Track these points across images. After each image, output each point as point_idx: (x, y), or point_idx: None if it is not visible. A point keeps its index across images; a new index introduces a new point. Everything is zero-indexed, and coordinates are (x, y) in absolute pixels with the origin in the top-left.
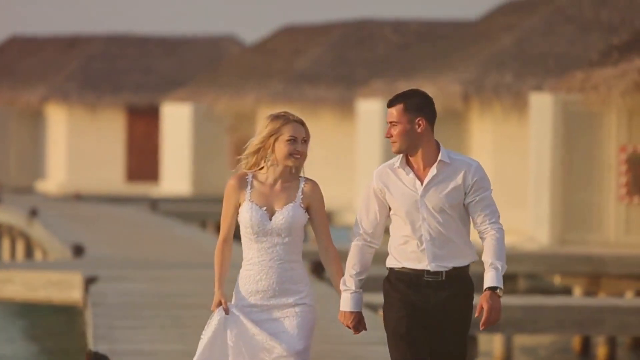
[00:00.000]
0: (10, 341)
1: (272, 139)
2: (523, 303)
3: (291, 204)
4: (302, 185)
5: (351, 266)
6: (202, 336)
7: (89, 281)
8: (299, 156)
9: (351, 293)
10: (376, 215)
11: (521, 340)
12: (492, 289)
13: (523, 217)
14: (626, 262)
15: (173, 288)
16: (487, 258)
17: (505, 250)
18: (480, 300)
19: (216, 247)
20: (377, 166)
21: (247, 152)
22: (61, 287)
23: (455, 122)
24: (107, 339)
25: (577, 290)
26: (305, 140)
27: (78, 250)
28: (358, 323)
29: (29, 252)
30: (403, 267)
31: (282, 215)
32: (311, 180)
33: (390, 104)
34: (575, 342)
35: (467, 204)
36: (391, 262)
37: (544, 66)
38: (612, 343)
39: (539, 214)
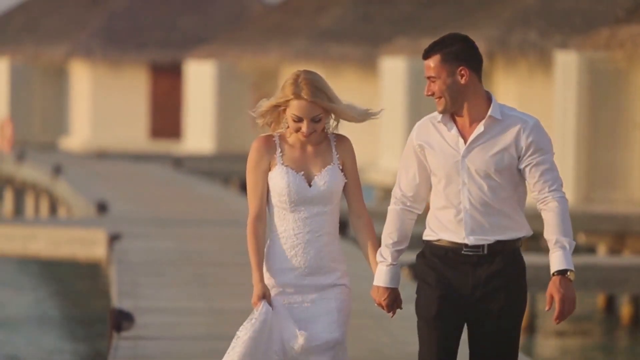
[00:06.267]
0: (33, 298)
1: (282, 107)
2: (547, 262)
3: (329, 167)
4: (333, 142)
5: (388, 234)
6: (238, 334)
7: (113, 238)
8: (306, 136)
9: (387, 266)
10: (415, 176)
11: (545, 298)
12: (562, 272)
13: None
14: None
15: (196, 246)
16: (551, 235)
17: (570, 223)
18: (549, 289)
19: (248, 228)
20: (401, 125)
21: (259, 111)
22: (85, 244)
23: None
24: (130, 295)
25: (602, 249)
26: (319, 120)
27: (102, 208)
28: (393, 301)
29: (53, 209)
30: (439, 240)
31: (323, 179)
32: (341, 135)
33: (425, 55)
34: (600, 300)
35: (523, 169)
36: (427, 234)
37: (569, 23)
38: (636, 302)
39: (564, 173)
